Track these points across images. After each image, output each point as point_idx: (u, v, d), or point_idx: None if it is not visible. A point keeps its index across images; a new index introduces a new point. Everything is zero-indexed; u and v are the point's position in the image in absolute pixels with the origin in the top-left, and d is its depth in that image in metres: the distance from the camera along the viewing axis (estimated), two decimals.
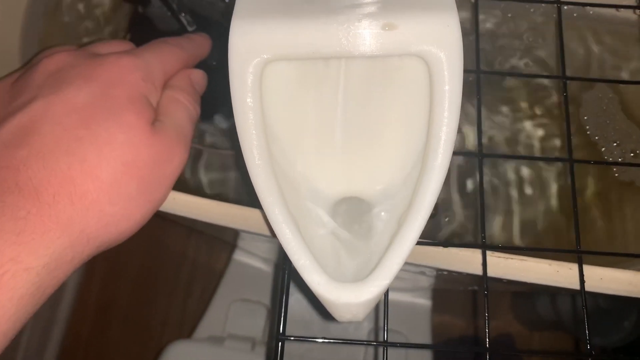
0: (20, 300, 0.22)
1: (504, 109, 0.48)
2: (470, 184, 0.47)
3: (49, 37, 0.50)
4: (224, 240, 0.81)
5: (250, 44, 0.28)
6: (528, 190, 0.47)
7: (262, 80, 0.28)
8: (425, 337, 0.69)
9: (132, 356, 0.94)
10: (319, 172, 0.32)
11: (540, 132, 0.47)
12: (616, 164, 0.45)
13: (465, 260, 0.34)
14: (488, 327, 0.32)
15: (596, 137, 0.45)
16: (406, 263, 0.27)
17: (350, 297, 0.26)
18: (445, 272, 0.38)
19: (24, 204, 0.23)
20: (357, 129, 0.31)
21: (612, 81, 0.46)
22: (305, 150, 0.31)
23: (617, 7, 0.45)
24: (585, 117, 0.46)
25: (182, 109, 0.30)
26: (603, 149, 0.45)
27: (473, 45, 0.36)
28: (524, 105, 0.48)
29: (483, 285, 0.33)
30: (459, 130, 0.41)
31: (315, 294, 0.26)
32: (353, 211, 0.32)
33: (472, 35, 0.37)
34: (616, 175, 0.45)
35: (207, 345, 0.65)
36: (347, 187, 0.32)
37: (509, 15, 0.48)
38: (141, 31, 0.51)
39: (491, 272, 0.33)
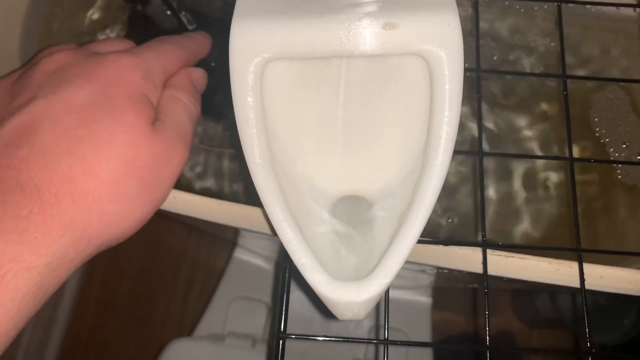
0: (22, 299, 0.22)
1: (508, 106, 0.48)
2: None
3: (49, 37, 0.50)
4: (225, 238, 0.81)
5: (251, 43, 0.28)
6: (528, 189, 0.47)
7: (263, 79, 0.28)
8: (426, 335, 0.69)
9: (132, 354, 0.94)
10: (319, 170, 0.32)
11: (542, 131, 0.47)
12: (616, 162, 0.45)
13: (465, 258, 0.34)
14: (488, 325, 0.32)
15: (607, 139, 0.45)
16: (407, 261, 0.27)
17: (351, 295, 0.26)
18: (445, 271, 0.38)
19: (26, 204, 0.23)
20: (357, 127, 0.31)
21: (613, 79, 0.46)
22: (305, 149, 0.31)
23: (617, 5, 0.45)
24: (596, 119, 0.46)
25: (183, 108, 0.30)
26: (611, 149, 0.45)
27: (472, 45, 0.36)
28: (527, 103, 0.48)
29: (483, 284, 0.33)
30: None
31: (317, 293, 0.26)
32: (353, 210, 0.32)
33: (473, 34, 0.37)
34: (619, 177, 0.45)
35: (208, 343, 0.65)
36: (348, 185, 0.32)
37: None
38: (140, 30, 0.51)
39: (492, 271, 0.34)
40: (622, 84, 0.47)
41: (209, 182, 0.47)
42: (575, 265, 0.34)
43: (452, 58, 0.27)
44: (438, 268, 0.38)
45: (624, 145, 0.45)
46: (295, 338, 0.32)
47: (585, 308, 0.33)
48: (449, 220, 0.45)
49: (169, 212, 0.36)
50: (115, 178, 0.25)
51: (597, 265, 0.34)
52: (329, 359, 0.65)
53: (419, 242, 0.28)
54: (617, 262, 0.35)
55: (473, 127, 0.47)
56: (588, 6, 0.46)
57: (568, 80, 0.36)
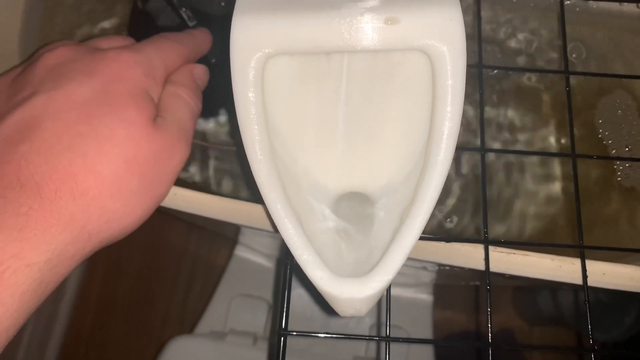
0: (22, 296, 0.22)
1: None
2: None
3: (48, 34, 0.50)
4: (225, 235, 0.81)
5: (252, 39, 0.28)
6: (530, 185, 0.46)
7: (264, 74, 0.28)
8: (427, 333, 0.69)
9: (133, 352, 0.94)
10: (321, 167, 0.32)
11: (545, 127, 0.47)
12: (618, 158, 0.45)
13: (467, 255, 0.34)
14: (491, 322, 0.32)
15: (609, 141, 0.45)
16: (408, 258, 0.27)
17: (353, 292, 0.26)
18: (447, 267, 0.38)
19: (26, 200, 0.23)
20: (359, 123, 0.31)
21: (614, 75, 0.46)
22: (307, 145, 0.31)
23: (620, 0, 0.45)
24: (600, 120, 0.46)
25: (184, 105, 0.30)
26: (614, 151, 0.45)
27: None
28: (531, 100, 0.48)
29: (485, 281, 0.33)
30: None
31: (318, 289, 0.26)
32: (355, 206, 0.31)
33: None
34: (619, 179, 0.45)
35: (209, 341, 0.65)
36: (349, 182, 0.32)
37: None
38: (141, 27, 0.50)
39: (494, 267, 0.33)
40: (629, 89, 0.46)
41: (210, 179, 0.47)
42: (577, 262, 0.34)
43: (455, 53, 0.27)
44: (440, 265, 0.37)
45: (627, 149, 0.45)
46: (296, 335, 0.32)
47: (587, 305, 0.33)
48: (448, 220, 0.45)
49: (169, 208, 0.35)
50: (116, 175, 0.25)
51: (599, 262, 0.34)
52: (330, 356, 0.65)
53: (421, 238, 0.28)
54: (618, 259, 0.35)
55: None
56: (591, 2, 0.45)
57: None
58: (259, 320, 0.69)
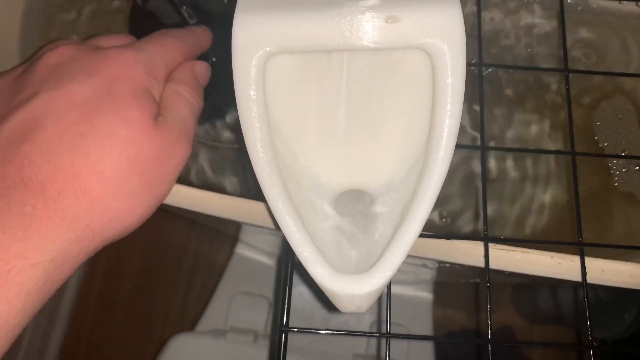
0: (28, 295, 0.22)
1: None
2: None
3: (48, 33, 0.50)
4: (226, 233, 0.81)
5: (253, 37, 0.28)
6: (530, 183, 0.47)
7: (266, 73, 0.28)
8: (427, 330, 0.69)
9: (134, 349, 0.94)
10: (321, 164, 0.32)
11: (544, 126, 0.47)
12: (617, 156, 0.45)
13: (467, 252, 0.34)
14: (490, 319, 0.32)
15: (605, 144, 0.45)
16: (408, 255, 0.27)
17: (353, 288, 0.26)
18: (447, 265, 0.38)
19: (29, 200, 0.23)
20: (359, 121, 0.31)
21: (613, 74, 0.46)
22: (308, 142, 0.31)
23: None
24: (598, 123, 0.46)
25: (185, 103, 0.30)
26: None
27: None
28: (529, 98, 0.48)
29: (485, 278, 0.33)
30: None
31: (319, 286, 0.26)
32: (356, 203, 0.32)
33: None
34: (616, 185, 0.45)
35: (210, 338, 0.65)
36: (350, 179, 0.32)
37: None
38: (141, 25, 0.50)
39: (493, 265, 0.34)
40: (629, 94, 0.47)
41: (211, 177, 0.48)
42: (576, 259, 0.34)
43: (455, 51, 0.27)
44: (440, 262, 0.38)
45: (623, 153, 0.46)
46: (297, 331, 0.32)
47: (586, 302, 0.33)
48: (443, 220, 0.46)
49: (171, 206, 0.36)
50: (118, 174, 0.25)
51: (598, 259, 0.34)
52: (331, 353, 0.65)
53: (421, 235, 0.29)
54: (617, 257, 0.35)
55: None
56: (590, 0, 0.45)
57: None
58: (259, 318, 0.69)
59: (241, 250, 0.76)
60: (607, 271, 0.34)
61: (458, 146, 0.29)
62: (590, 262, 0.34)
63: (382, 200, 0.31)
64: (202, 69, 0.33)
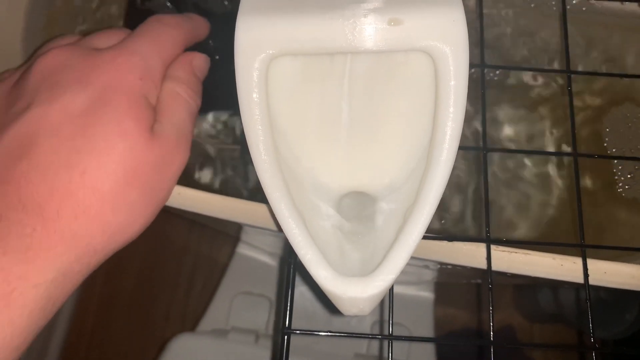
0: (30, 315, 0.23)
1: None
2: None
3: (52, 28, 0.50)
4: (227, 233, 0.81)
5: (255, 40, 0.28)
6: (532, 185, 0.47)
7: (268, 75, 0.28)
8: (428, 330, 0.69)
9: (135, 349, 0.94)
10: (324, 166, 0.32)
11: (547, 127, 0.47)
12: (619, 157, 0.45)
13: (469, 254, 0.34)
14: (492, 320, 0.32)
15: (614, 150, 0.45)
16: (411, 257, 0.27)
17: (356, 291, 0.26)
18: (449, 266, 0.38)
19: (29, 221, 0.23)
20: (362, 123, 0.31)
21: (616, 75, 0.46)
22: (310, 145, 0.31)
23: (622, 0, 0.45)
24: (607, 129, 0.46)
25: (183, 105, 0.29)
26: (615, 161, 0.45)
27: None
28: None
29: (487, 279, 0.33)
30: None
31: (322, 288, 0.26)
32: (358, 205, 0.32)
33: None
34: (619, 190, 0.45)
35: (211, 338, 0.65)
36: (353, 181, 0.32)
37: None
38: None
39: (495, 266, 0.34)
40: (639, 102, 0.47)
41: (213, 178, 0.48)
42: (579, 261, 0.34)
43: (458, 54, 0.27)
44: (442, 264, 0.38)
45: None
46: (300, 333, 0.32)
47: (589, 304, 0.33)
48: (442, 222, 0.46)
49: (172, 207, 0.36)
50: (117, 189, 0.25)
51: (600, 261, 0.34)
52: (332, 353, 0.65)
53: (424, 237, 0.29)
54: (615, 258, 0.35)
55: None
56: (592, 1, 0.45)
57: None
58: (261, 318, 0.69)
59: (242, 249, 0.76)
60: (609, 273, 0.34)
61: (459, 147, 0.29)
62: (592, 263, 0.34)
63: (384, 202, 0.31)
64: (201, 62, 0.32)
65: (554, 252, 0.34)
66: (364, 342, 0.66)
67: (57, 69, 0.27)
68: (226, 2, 0.48)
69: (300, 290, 0.67)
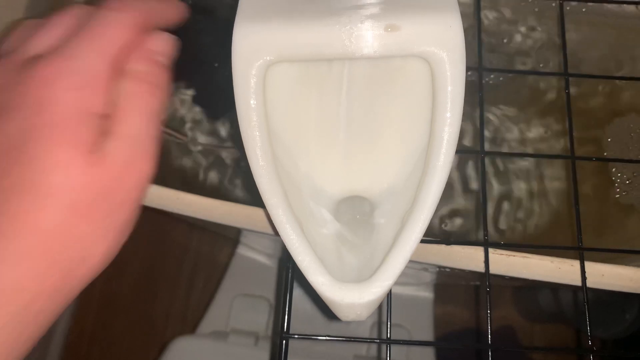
0: None
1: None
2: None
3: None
4: (227, 236, 0.81)
5: (253, 46, 0.28)
6: (530, 188, 0.47)
7: (266, 81, 0.28)
8: (428, 331, 0.69)
9: (135, 349, 0.94)
10: (322, 171, 0.32)
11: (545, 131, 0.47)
12: (617, 160, 0.45)
13: (467, 257, 0.35)
14: (490, 323, 0.32)
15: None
16: (409, 261, 0.27)
17: (354, 297, 0.26)
18: (447, 270, 0.38)
19: None
20: (359, 128, 0.31)
21: (614, 77, 0.46)
22: (308, 150, 0.32)
23: (619, 2, 0.45)
24: (609, 139, 0.46)
25: (140, 107, 0.25)
26: (614, 169, 0.46)
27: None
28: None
29: (485, 283, 0.33)
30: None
31: (320, 295, 0.26)
32: (356, 211, 0.32)
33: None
34: (617, 197, 0.45)
35: (211, 341, 0.65)
36: (350, 186, 0.32)
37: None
38: None
39: (493, 269, 0.34)
40: None
41: (215, 179, 0.48)
42: (576, 264, 0.34)
43: (454, 60, 0.27)
44: (440, 267, 0.38)
45: (633, 173, 0.46)
46: (298, 338, 0.32)
47: (586, 306, 0.33)
48: (442, 226, 0.46)
49: (172, 212, 0.36)
50: (61, 226, 0.22)
51: (598, 264, 0.34)
52: (331, 355, 0.65)
53: (422, 241, 0.29)
54: (615, 261, 0.35)
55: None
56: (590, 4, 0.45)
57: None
58: (260, 320, 0.69)
59: (242, 251, 0.76)
60: (606, 275, 0.34)
61: (457, 151, 0.29)
62: (590, 266, 0.34)
63: (382, 206, 0.31)
64: (162, 45, 0.27)
65: (553, 255, 0.35)
66: (363, 344, 0.66)
67: None
68: (230, 4, 0.48)
69: (299, 291, 0.67)
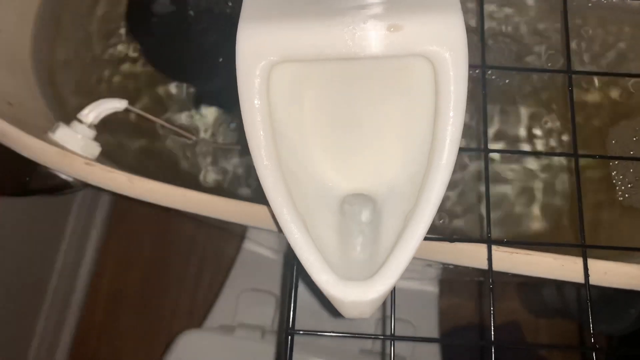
0: None
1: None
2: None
3: (58, 39, 0.51)
4: (233, 231, 0.82)
5: (257, 47, 0.28)
6: (533, 186, 0.47)
7: (270, 81, 0.29)
8: (433, 325, 0.69)
9: (143, 343, 0.95)
10: (325, 169, 0.32)
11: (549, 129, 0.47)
12: (620, 158, 0.45)
13: (471, 255, 0.35)
14: (493, 321, 0.33)
15: (615, 162, 0.45)
16: (413, 258, 0.27)
17: (357, 295, 0.26)
18: (452, 266, 0.38)
19: None
20: (363, 127, 0.32)
21: (618, 74, 0.46)
22: (312, 148, 0.32)
23: None
24: (614, 141, 0.46)
25: None
26: (614, 172, 0.46)
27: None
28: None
29: (488, 280, 0.34)
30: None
31: (324, 292, 0.27)
32: (360, 208, 0.32)
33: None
34: (620, 199, 0.45)
35: (218, 334, 0.66)
36: (354, 183, 0.32)
37: None
38: (139, 18, 0.51)
39: (497, 267, 0.34)
40: None
41: (219, 178, 0.48)
42: (579, 261, 0.34)
43: (457, 59, 0.28)
44: (444, 263, 0.38)
45: (631, 170, 0.46)
46: (303, 334, 0.33)
47: (589, 303, 0.33)
48: (440, 221, 0.46)
49: (178, 210, 0.36)
50: None
51: (601, 261, 0.34)
52: (338, 349, 0.65)
53: (425, 238, 0.29)
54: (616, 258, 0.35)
55: None
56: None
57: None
58: (267, 314, 0.70)
59: (248, 245, 0.76)
60: (610, 273, 0.34)
61: (460, 149, 0.29)
62: (593, 263, 0.34)
63: (385, 204, 0.31)
64: None
65: (556, 253, 0.35)
66: (369, 338, 0.66)
67: None
68: (230, 3, 0.48)
69: (305, 285, 0.67)
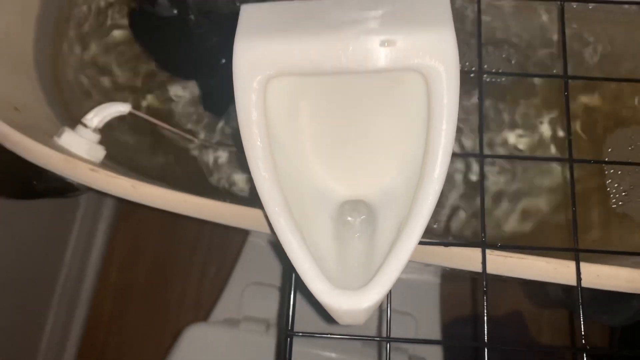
0: None
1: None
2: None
3: (60, 41, 0.51)
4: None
5: (253, 62, 0.29)
6: (527, 189, 0.47)
7: (266, 93, 0.29)
8: (434, 315, 0.70)
9: (150, 336, 0.97)
10: (322, 178, 0.33)
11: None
12: (614, 162, 0.45)
13: (465, 258, 0.35)
14: (487, 323, 0.33)
15: (611, 170, 0.46)
16: (409, 261, 0.28)
17: (352, 304, 0.27)
18: (447, 268, 0.39)
19: None
20: (359, 137, 0.32)
21: (613, 79, 0.46)
22: (309, 158, 0.33)
23: (618, 2, 0.45)
24: (610, 149, 0.46)
25: None
26: (609, 180, 0.46)
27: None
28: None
29: (482, 283, 0.34)
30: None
31: (319, 301, 0.28)
32: (355, 215, 0.33)
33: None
34: (613, 207, 0.46)
35: (224, 328, 0.67)
36: (349, 192, 0.33)
37: None
38: (142, 20, 0.51)
39: (491, 270, 0.35)
40: None
41: (223, 180, 0.49)
42: (572, 265, 0.35)
43: (449, 73, 0.28)
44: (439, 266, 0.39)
45: (629, 186, 0.46)
46: (302, 336, 0.34)
47: (581, 307, 0.34)
48: (434, 226, 0.46)
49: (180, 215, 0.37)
50: None
51: (593, 265, 0.35)
52: (341, 342, 0.66)
53: (420, 243, 0.30)
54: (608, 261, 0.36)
55: None
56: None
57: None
58: (271, 307, 0.71)
59: (254, 239, 0.77)
60: (601, 276, 0.35)
61: (456, 154, 0.29)
62: (585, 267, 0.35)
63: (380, 212, 0.32)
64: None
65: (549, 256, 0.35)
66: (373, 329, 0.67)
67: None
68: (238, 3, 0.48)
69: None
